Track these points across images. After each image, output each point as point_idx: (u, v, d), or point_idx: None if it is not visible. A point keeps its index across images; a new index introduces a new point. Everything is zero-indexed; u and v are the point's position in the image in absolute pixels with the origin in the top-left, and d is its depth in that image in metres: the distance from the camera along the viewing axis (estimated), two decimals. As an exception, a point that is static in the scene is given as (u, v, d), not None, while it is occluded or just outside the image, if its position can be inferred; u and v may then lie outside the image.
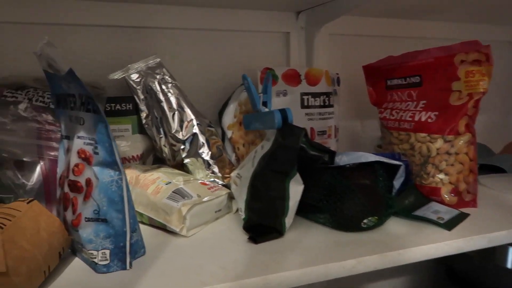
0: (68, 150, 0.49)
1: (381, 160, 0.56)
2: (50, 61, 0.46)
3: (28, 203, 0.43)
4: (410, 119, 0.67)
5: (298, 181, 0.54)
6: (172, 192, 0.57)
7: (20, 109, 0.57)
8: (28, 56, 0.69)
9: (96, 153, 0.44)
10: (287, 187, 0.53)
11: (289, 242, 0.52)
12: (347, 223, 0.54)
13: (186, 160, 0.67)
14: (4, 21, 0.68)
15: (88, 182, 0.44)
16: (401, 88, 0.71)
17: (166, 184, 0.58)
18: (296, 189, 0.53)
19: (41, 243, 0.41)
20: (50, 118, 0.58)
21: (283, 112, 0.55)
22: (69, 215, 0.46)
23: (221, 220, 0.60)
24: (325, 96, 0.77)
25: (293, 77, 0.75)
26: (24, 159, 0.55)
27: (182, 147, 0.66)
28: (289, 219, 0.54)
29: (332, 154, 0.59)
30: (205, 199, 0.57)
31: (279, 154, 0.54)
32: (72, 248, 0.48)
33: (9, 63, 0.70)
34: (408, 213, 0.59)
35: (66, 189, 0.47)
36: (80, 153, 0.45)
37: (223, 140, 0.75)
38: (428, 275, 1.11)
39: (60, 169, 0.50)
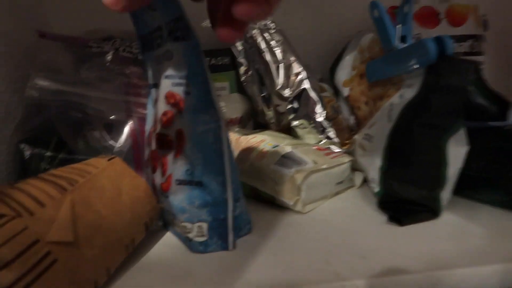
0: (156, 101, 0.39)
1: None
2: None
3: (109, 160, 0.34)
4: None
5: (461, 140, 0.37)
6: (282, 156, 0.44)
7: (106, 60, 0.49)
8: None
9: (187, 93, 0.32)
10: (445, 148, 0.37)
11: (447, 226, 0.36)
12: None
13: (295, 123, 0.54)
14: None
15: (179, 134, 0.34)
16: None
17: (273, 148, 0.46)
18: (457, 152, 0.37)
19: (122, 210, 0.31)
20: (138, 70, 0.50)
21: (439, 41, 0.38)
22: (158, 178, 0.37)
23: (342, 195, 0.46)
24: (473, 40, 0.58)
25: (429, 17, 0.58)
26: (111, 117, 0.48)
27: (289, 106, 0.54)
28: (446, 194, 0.38)
29: (506, 105, 0.41)
30: (324, 166, 0.44)
31: (434, 101, 0.38)
32: (163, 220, 0.39)
33: (96, 16, 0.63)
34: None
35: (154, 146, 0.37)
36: (169, 97, 0.34)
37: (336, 100, 0.60)
38: None
39: (148, 125, 0.40)
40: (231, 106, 0.57)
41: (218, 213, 0.34)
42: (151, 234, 0.37)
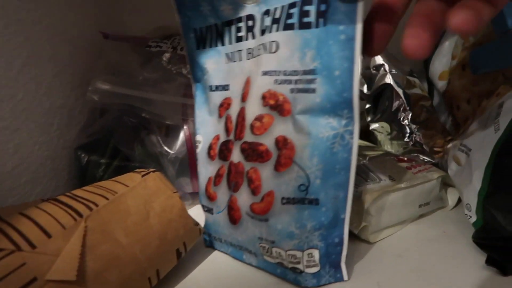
0: (222, 106, 0.34)
1: None
2: None
3: (144, 175, 0.31)
4: None
5: None
6: (349, 170, 0.37)
7: (164, 60, 0.47)
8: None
9: (309, 91, 0.26)
10: None
11: None
12: None
13: (374, 126, 0.45)
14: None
15: (282, 142, 0.28)
16: None
17: (341, 159, 0.39)
18: None
19: (148, 236, 0.28)
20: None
21: None
22: (244, 198, 0.30)
23: (428, 219, 0.37)
24: None
25: None
26: (167, 122, 0.45)
27: (368, 105, 0.45)
28: None
29: None
30: (403, 184, 0.35)
31: None
32: (242, 249, 0.32)
33: (158, 15, 0.60)
34: None
35: (237, 157, 0.30)
36: (268, 98, 0.28)
37: (431, 96, 0.49)
38: None
39: (205, 136, 0.35)
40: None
41: (332, 237, 0.28)
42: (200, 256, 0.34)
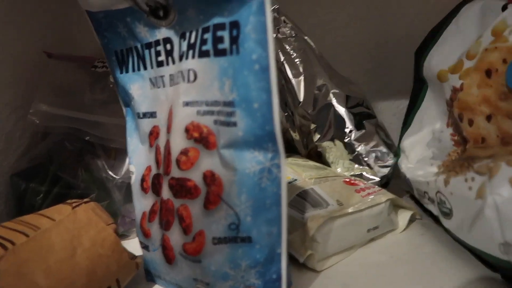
0: (151, 134, 0.32)
1: None
2: None
3: (75, 206, 0.29)
4: None
5: None
6: (297, 195, 0.36)
7: (111, 81, 0.45)
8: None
9: (230, 124, 0.25)
10: None
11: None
12: None
13: (321, 146, 0.45)
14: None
15: (210, 177, 0.26)
16: None
17: (291, 182, 0.38)
18: None
19: (73, 274, 0.26)
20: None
21: None
22: (175, 237, 0.28)
23: (378, 244, 0.37)
24: None
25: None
26: (113, 145, 0.43)
27: (313, 126, 0.45)
28: None
29: None
30: (351, 209, 0.34)
31: None
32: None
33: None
34: None
35: (166, 194, 0.29)
36: (191, 130, 0.27)
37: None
38: None
39: (138, 166, 0.34)
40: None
41: (270, 273, 0.26)
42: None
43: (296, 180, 0.38)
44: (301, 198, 0.35)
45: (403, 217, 0.39)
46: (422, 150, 0.41)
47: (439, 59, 0.39)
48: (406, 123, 0.44)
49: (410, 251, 0.34)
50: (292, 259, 0.33)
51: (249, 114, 0.24)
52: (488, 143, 0.33)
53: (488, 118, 0.34)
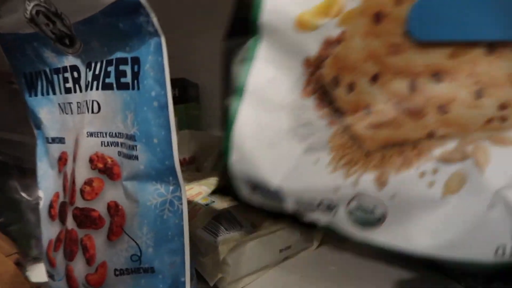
0: (60, 160, 0.32)
1: None
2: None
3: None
4: None
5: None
6: (212, 219, 0.37)
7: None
8: None
9: (132, 157, 0.25)
10: None
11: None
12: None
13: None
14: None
15: (114, 208, 0.27)
16: None
17: (208, 204, 0.39)
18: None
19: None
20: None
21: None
22: (79, 268, 0.28)
23: (291, 261, 0.38)
24: None
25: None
26: (27, 165, 0.42)
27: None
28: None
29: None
30: (263, 231, 0.36)
31: None
32: None
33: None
34: None
35: (70, 224, 0.29)
36: (95, 161, 0.27)
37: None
38: None
39: (46, 192, 0.33)
40: (179, 146, 0.50)
41: None
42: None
43: (213, 202, 0.39)
44: (216, 221, 0.36)
45: (318, 234, 0.41)
46: (288, 146, 0.27)
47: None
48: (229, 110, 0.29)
49: (321, 270, 0.36)
50: (204, 282, 0.34)
51: (149, 148, 0.25)
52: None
53: (374, 78, 0.25)
